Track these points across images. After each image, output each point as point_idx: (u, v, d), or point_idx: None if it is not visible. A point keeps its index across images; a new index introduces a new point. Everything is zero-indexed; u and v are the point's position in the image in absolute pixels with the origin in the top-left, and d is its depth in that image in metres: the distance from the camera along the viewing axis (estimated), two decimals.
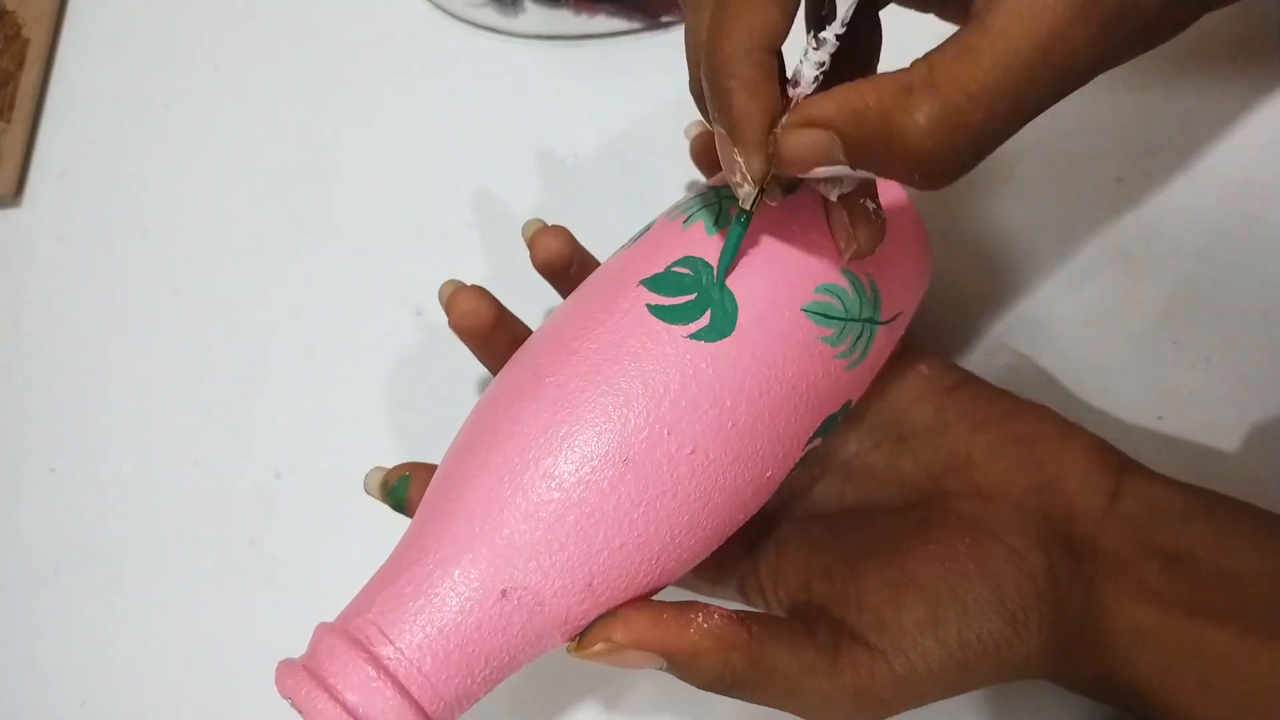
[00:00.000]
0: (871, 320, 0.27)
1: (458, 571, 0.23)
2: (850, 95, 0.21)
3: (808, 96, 0.22)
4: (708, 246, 0.26)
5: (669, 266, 0.26)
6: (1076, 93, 0.31)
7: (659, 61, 0.42)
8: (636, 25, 0.42)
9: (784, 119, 0.22)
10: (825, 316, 0.26)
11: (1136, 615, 0.26)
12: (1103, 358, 0.36)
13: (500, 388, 0.27)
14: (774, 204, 0.25)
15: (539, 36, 0.43)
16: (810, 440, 0.27)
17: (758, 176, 0.23)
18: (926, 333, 0.37)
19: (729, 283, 0.25)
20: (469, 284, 0.31)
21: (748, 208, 0.24)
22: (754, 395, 0.25)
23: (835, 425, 0.28)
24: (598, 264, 0.32)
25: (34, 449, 0.42)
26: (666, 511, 0.24)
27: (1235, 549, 0.27)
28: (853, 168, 0.22)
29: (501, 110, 0.43)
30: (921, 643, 0.26)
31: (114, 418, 0.42)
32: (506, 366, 0.28)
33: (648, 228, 0.29)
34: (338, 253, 0.42)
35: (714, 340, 0.25)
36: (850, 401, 0.28)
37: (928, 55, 0.21)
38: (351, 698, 0.22)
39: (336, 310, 0.42)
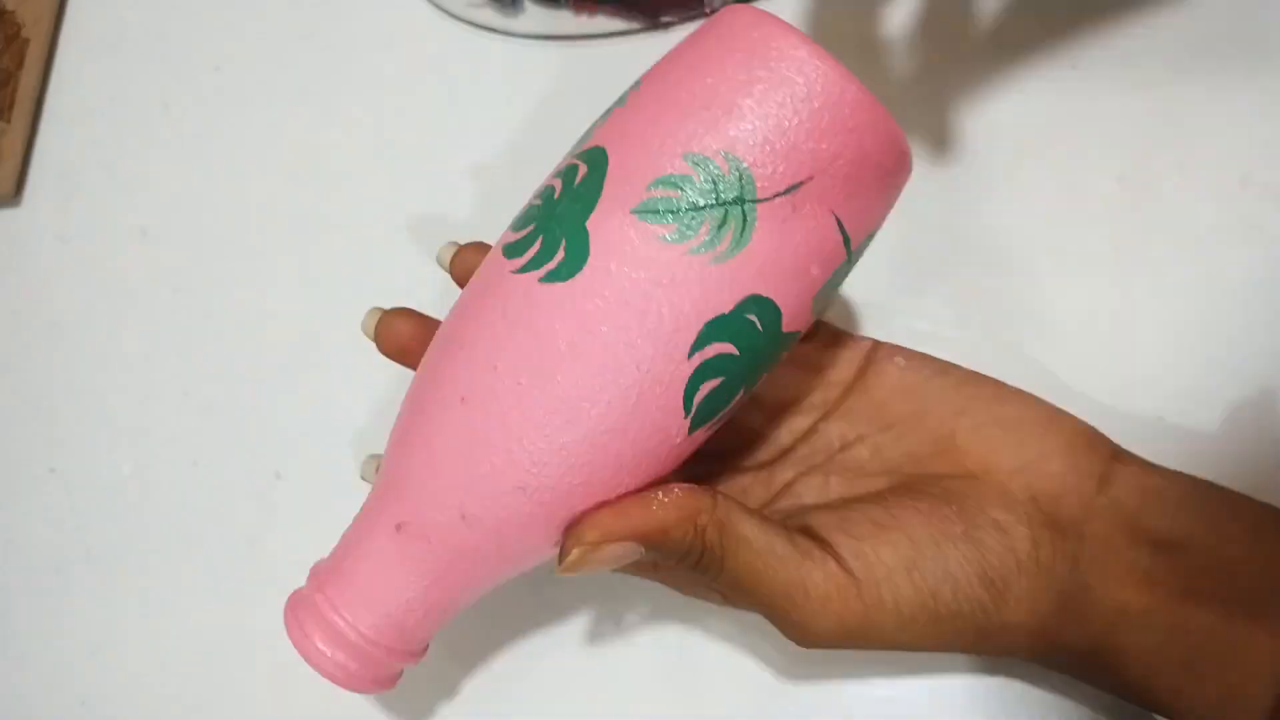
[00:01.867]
0: (740, 200, 0.24)
1: (372, 514, 0.28)
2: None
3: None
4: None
5: (529, 202, 0.27)
6: (1076, 93, 0.31)
7: None
8: (636, 25, 0.42)
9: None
10: (660, 212, 0.24)
11: (1123, 596, 0.26)
12: (1102, 357, 0.36)
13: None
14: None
15: (539, 36, 0.43)
16: (697, 348, 0.24)
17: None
18: (923, 331, 0.37)
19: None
20: (388, 308, 0.32)
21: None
22: (582, 314, 0.24)
23: (752, 331, 0.25)
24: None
25: (34, 449, 0.42)
26: (513, 440, 0.25)
27: (1228, 537, 0.27)
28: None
29: (501, 110, 0.43)
30: (895, 579, 0.26)
31: (114, 418, 0.42)
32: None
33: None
34: (338, 253, 0.42)
35: (538, 267, 0.25)
36: (758, 296, 0.25)
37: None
38: (324, 650, 0.29)
39: (336, 310, 0.41)
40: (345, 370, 0.41)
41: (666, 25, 0.42)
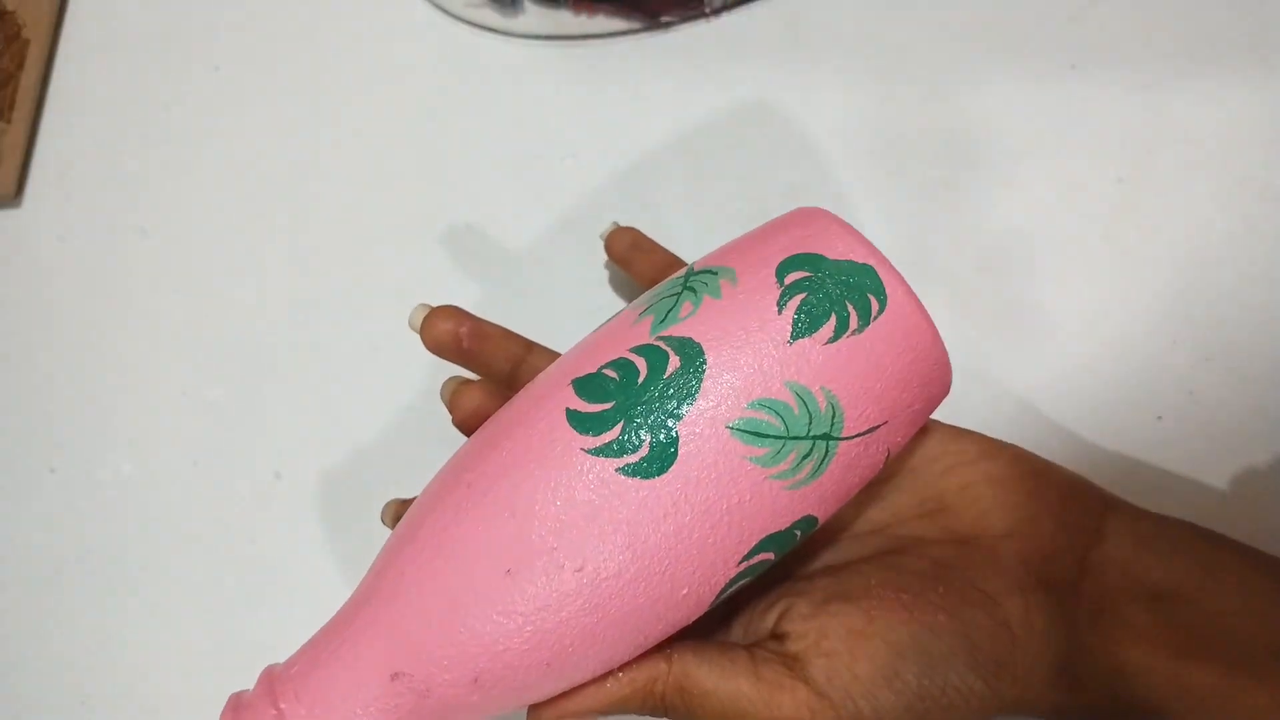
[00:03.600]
0: (828, 436, 0.25)
1: (361, 650, 0.25)
2: None
3: None
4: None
5: (600, 368, 0.25)
6: (1076, 93, 0.31)
7: (659, 61, 0.42)
8: (636, 25, 0.42)
9: None
10: (757, 435, 0.24)
11: (1121, 656, 0.26)
12: (1102, 358, 0.36)
13: (442, 469, 0.27)
14: None
15: (539, 36, 0.43)
16: (746, 559, 0.25)
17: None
18: None
19: None
20: (435, 305, 0.31)
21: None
22: (656, 517, 0.24)
23: (793, 540, 0.26)
24: (491, 330, 0.32)
25: (34, 449, 0.42)
26: (551, 624, 0.24)
27: (1222, 587, 0.27)
28: None
29: (501, 110, 0.43)
30: (876, 693, 0.26)
31: (114, 418, 0.42)
32: (469, 439, 0.28)
33: (620, 312, 0.28)
34: (338, 253, 0.42)
35: (615, 457, 0.24)
36: (810, 517, 0.26)
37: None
38: None
39: (336, 310, 0.42)
40: (345, 370, 0.41)
41: (666, 25, 0.42)
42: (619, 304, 0.34)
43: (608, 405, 0.25)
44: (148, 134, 0.46)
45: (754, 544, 0.25)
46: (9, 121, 0.45)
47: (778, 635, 0.28)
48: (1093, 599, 0.27)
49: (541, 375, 0.28)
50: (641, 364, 0.25)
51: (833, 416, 0.25)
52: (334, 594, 0.38)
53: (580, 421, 0.25)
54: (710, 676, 0.26)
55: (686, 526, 0.24)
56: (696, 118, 0.41)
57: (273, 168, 0.44)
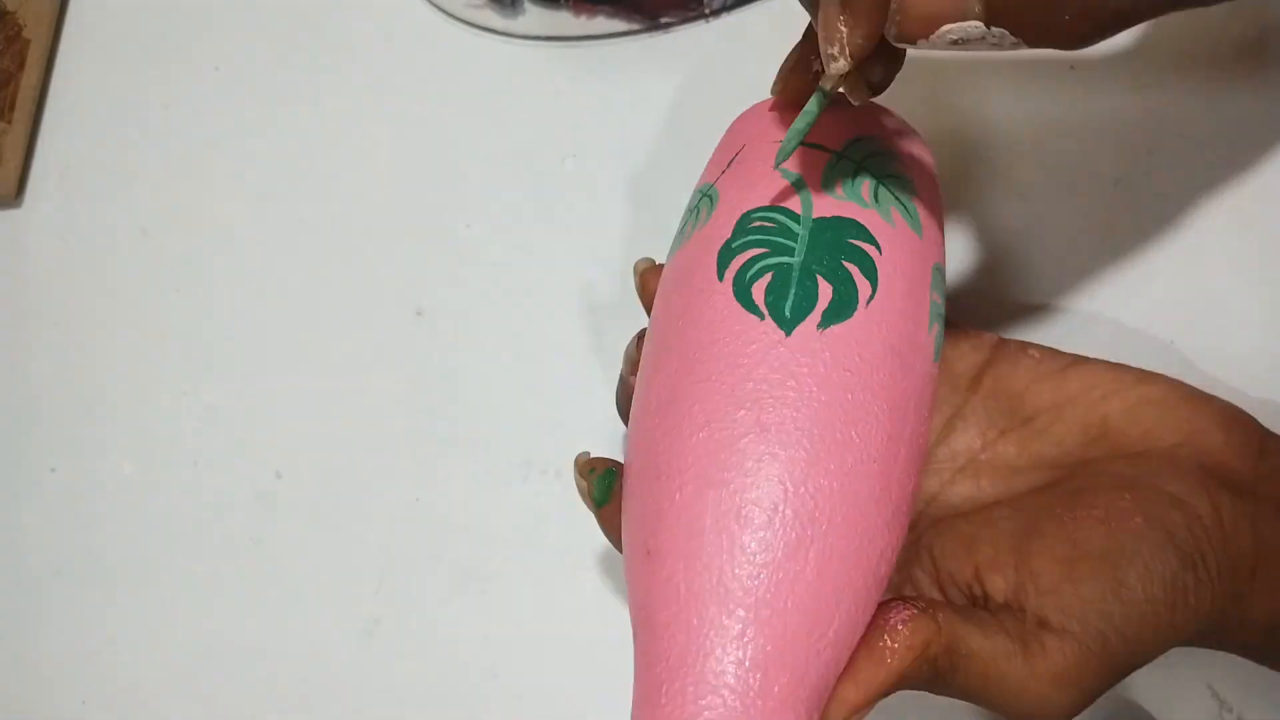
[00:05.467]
0: (705, 195, 0.28)
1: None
2: None
3: None
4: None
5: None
6: (1076, 93, 0.31)
7: (659, 63, 0.42)
8: (636, 26, 0.42)
9: None
10: (676, 240, 0.28)
11: None
12: (1101, 358, 0.36)
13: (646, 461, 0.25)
14: (856, 103, 0.24)
15: (539, 38, 0.43)
16: (720, 265, 0.26)
17: (857, 51, 0.22)
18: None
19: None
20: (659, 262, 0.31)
21: (828, 88, 0.23)
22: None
23: (757, 219, 0.27)
24: None
25: (34, 449, 0.42)
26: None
27: None
28: (988, 25, 0.21)
29: (501, 111, 0.43)
30: (1109, 609, 0.25)
31: (114, 418, 0.42)
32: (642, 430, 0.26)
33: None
34: (338, 253, 0.42)
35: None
36: (750, 209, 0.27)
37: None
38: None
39: (336, 310, 0.42)
40: (345, 370, 0.41)
41: (666, 26, 0.42)
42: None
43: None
44: (148, 134, 0.46)
45: (715, 259, 0.26)
46: (9, 121, 0.45)
47: (985, 586, 0.27)
48: (1271, 502, 0.27)
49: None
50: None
51: (707, 193, 0.28)
52: (335, 594, 0.38)
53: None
54: (974, 635, 0.25)
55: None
56: (696, 118, 0.41)
57: (273, 168, 0.44)
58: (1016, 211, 0.38)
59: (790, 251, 0.25)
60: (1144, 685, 0.33)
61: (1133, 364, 0.35)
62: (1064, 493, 0.28)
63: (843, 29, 0.21)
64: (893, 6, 0.21)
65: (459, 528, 0.38)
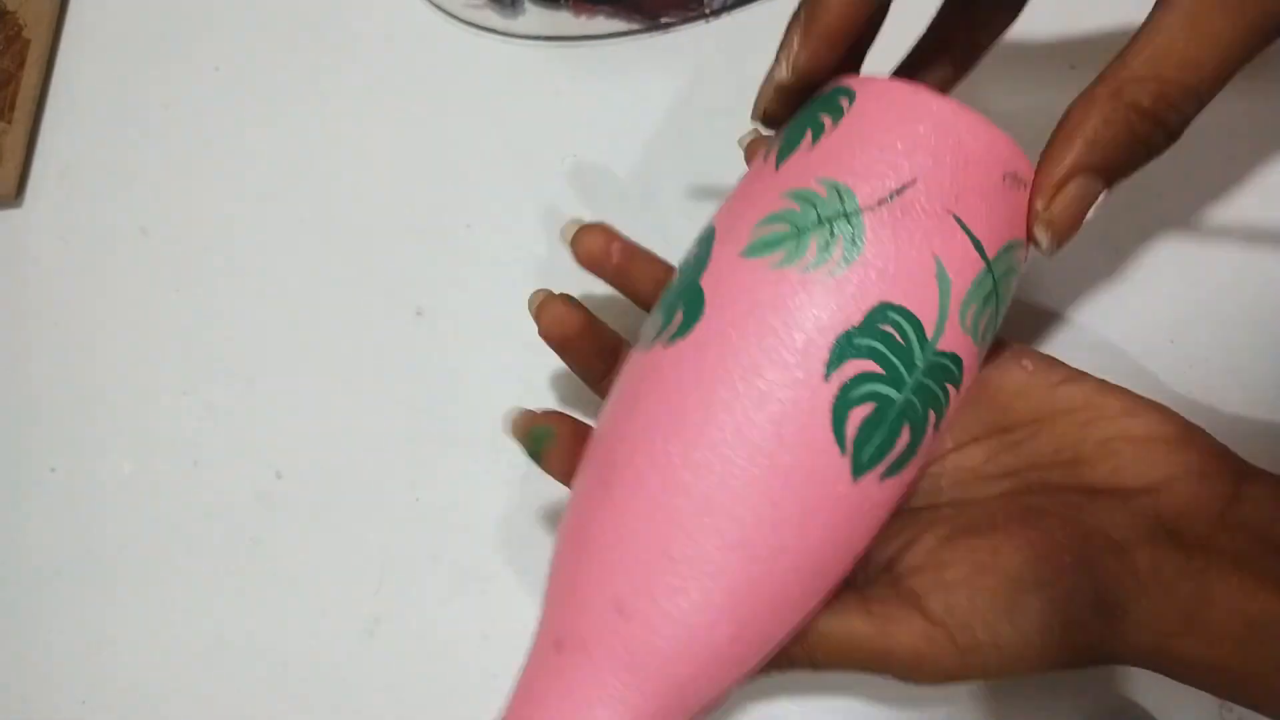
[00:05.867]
0: (843, 214, 0.24)
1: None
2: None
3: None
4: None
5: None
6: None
7: (658, 62, 0.42)
8: (636, 26, 0.42)
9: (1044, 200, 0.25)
10: (768, 245, 0.24)
11: (1255, 606, 0.25)
12: (1101, 357, 0.36)
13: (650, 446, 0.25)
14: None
15: (539, 37, 0.43)
16: (832, 369, 0.23)
17: (800, 67, 0.24)
18: None
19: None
20: (558, 293, 0.32)
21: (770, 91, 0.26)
22: (705, 356, 0.24)
23: (889, 339, 0.24)
24: (640, 250, 0.33)
25: (34, 449, 0.42)
26: (664, 518, 0.24)
27: None
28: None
29: (501, 111, 0.43)
30: (995, 625, 0.26)
31: (114, 418, 0.42)
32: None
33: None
34: (338, 253, 0.42)
35: (660, 338, 0.25)
36: (886, 303, 0.23)
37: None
38: None
39: (336, 310, 0.42)
40: (345, 370, 0.41)
41: (666, 26, 0.42)
42: (620, 304, 0.34)
43: (660, 317, 0.26)
44: (148, 134, 0.46)
45: (828, 347, 0.23)
46: (9, 121, 0.45)
47: (894, 571, 0.28)
48: (1226, 555, 0.26)
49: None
50: (689, 257, 0.27)
51: (841, 196, 0.24)
52: (335, 594, 0.38)
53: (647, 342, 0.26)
54: (822, 618, 0.26)
55: (746, 357, 0.23)
56: (696, 118, 0.41)
57: (273, 168, 0.44)
58: None
59: (900, 385, 0.24)
60: (1144, 685, 0.33)
61: (1133, 363, 0.35)
62: (1013, 506, 0.28)
63: (794, 44, 0.23)
64: (1040, 219, 0.24)
65: (459, 528, 0.38)
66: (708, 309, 0.24)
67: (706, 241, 0.26)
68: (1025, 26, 0.40)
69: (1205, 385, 0.35)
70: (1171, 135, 0.26)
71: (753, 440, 0.23)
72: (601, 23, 0.43)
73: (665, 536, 0.23)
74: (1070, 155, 0.25)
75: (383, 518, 0.39)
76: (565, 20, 0.43)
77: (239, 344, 0.42)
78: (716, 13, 0.42)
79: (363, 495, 0.39)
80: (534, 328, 0.32)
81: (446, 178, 0.42)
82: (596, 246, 0.32)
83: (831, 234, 0.24)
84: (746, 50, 0.42)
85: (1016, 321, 0.37)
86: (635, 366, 0.26)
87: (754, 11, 0.42)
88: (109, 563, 0.40)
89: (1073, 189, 0.25)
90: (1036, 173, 0.25)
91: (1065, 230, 0.25)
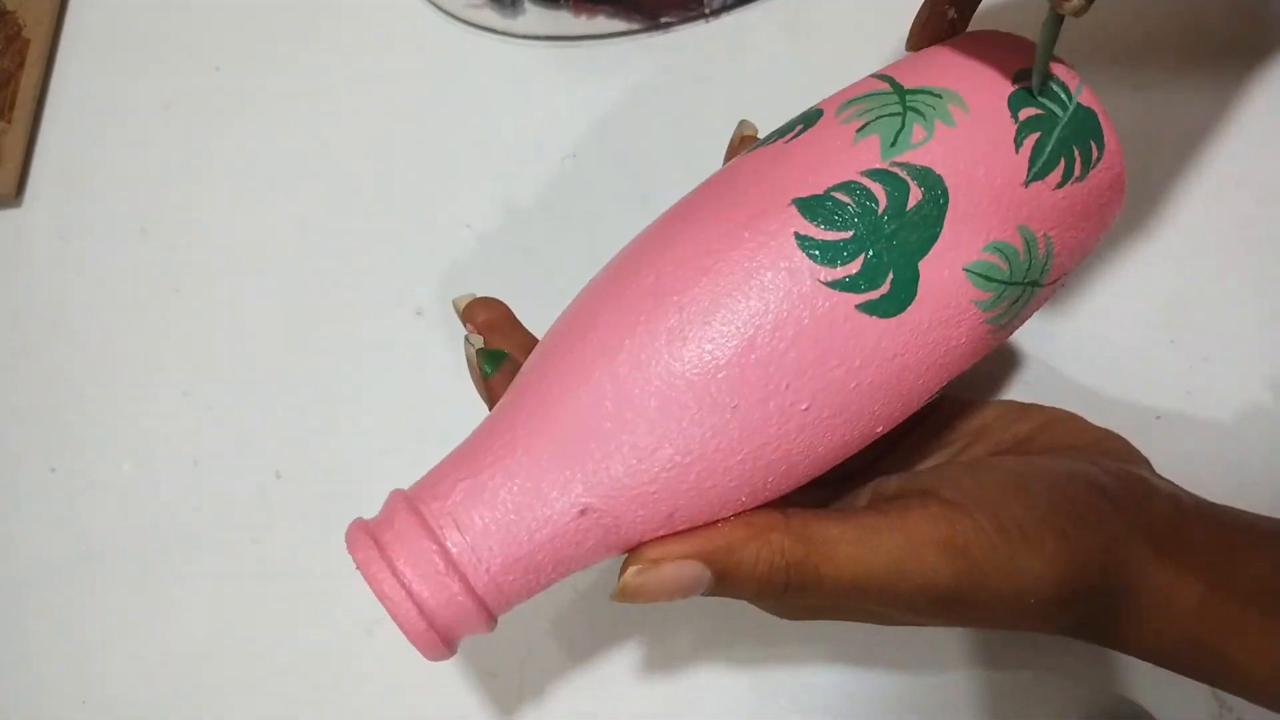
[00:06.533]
0: (1035, 284, 0.25)
1: (543, 482, 0.23)
2: None
3: None
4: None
5: (829, 189, 0.23)
6: None
7: (658, 62, 0.42)
8: (636, 26, 0.42)
9: None
10: (987, 279, 0.24)
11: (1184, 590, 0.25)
12: (1101, 357, 0.36)
13: (619, 283, 0.25)
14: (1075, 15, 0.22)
15: (539, 37, 0.43)
16: (932, 396, 0.25)
17: None
18: None
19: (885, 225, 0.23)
20: (479, 294, 0.31)
21: (1070, 11, 0.21)
22: (887, 356, 0.23)
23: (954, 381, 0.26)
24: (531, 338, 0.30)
25: (34, 449, 0.42)
26: (766, 461, 0.23)
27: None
28: None
29: (501, 110, 0.43)
30: (1008, 505, 0.24)
31: (114, 418, 0.42)
32: (632, 249, 0.26)
33: (812, 117, 0.26)
34: (338, 253, 0.42)
35: (856, 292, 0.23)
36: (985, 356, 0.26)
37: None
38: (418, 587, 0.23)
39: (336, 310, 0.42)
40: (345, 370, 0.41)
41: (666, 26, 0.42)
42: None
43: (847, 234, 0.23)
44: (148, 134, 0.46)
45: (944, 383, 0.25)
46: (9, 121, 0.45)
47: (888, 494, 0.27)
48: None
49: (739, 182, 0.25)
50: (880, 193, 0.23)
51: (1046, 262, 0.25)
52: (335, 593, 0.38)
53: (815, 248, 0.23)
54: (832, 524, 0.24)
55: (909, 368, 0.23)
56: (696, 118, 0.41)
57: (273, 168, 0.44)
58: None
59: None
60: (1144, 685, 0.33)
61: (1132, 364, 0.36)
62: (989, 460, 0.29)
63: None
64: (625, 582, 0.23)
65: None
66: (916, 304, 0.23)
67: (936, 209, 0.24)
68: (1025, 26, 0.40)
69: (1205, 385, 0.35)
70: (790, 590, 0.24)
71: (857, 439, 0.24)
72: (601, 23, 0.43)
73: (756, 480, 0.24)
74: (707, 545, 0.24)
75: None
76: (565, 20, 0.43)
77: (239, 344, 0.42)
78: (716, 13, 0.42)
79: (363, 495, 0.39)
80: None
81: (447, 178, 0.42)
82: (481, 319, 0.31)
83: (1018, 299, 0.25)
84: (746, 50, 0.42)
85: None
86: (802, 291, 0.23)
87: (754, 11, 0.42)
88: (109, 563, 0.40)
89: (688, 569, 0.23)
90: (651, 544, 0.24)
91: (639, 597, 0.23)
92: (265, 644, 0.38)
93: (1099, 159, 0.25)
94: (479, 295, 0.31)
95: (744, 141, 0.31)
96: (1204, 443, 0.34)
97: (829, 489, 0.31)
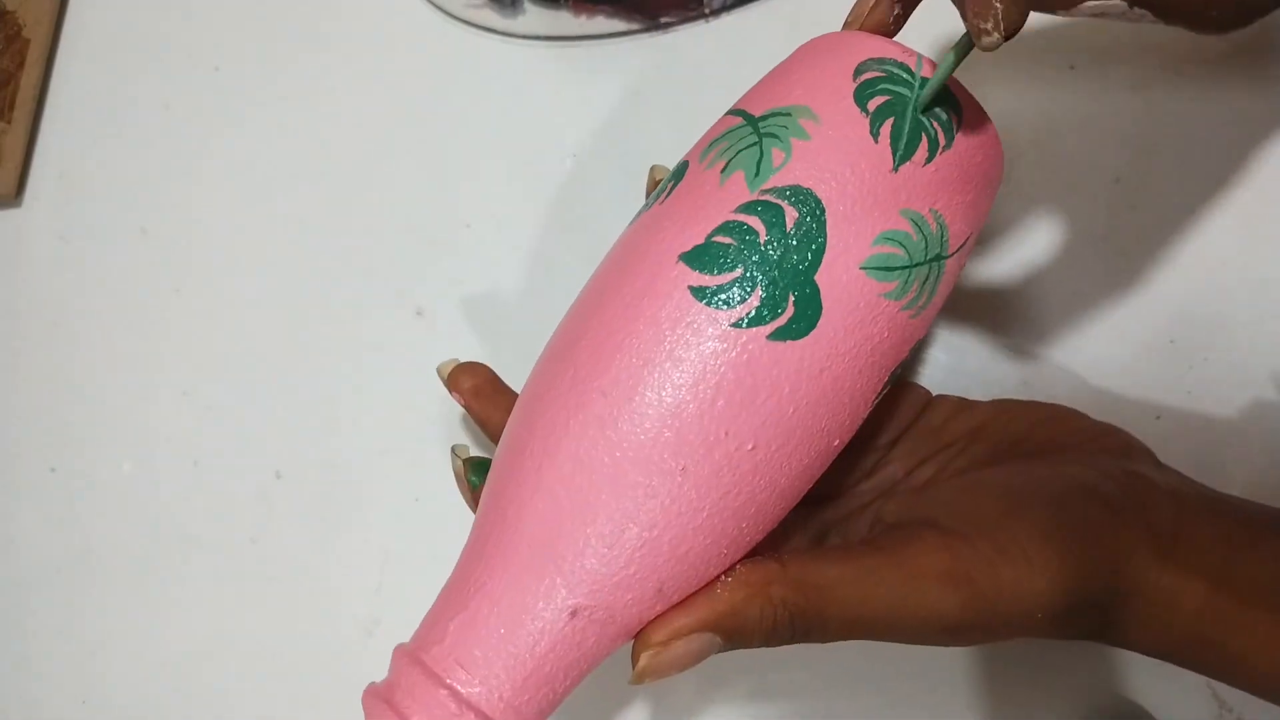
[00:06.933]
0: (939, 257, 0.25)
1: (527, 597, 0.23)
2: None
3: None
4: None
5: (709, 236, 0.24)
6: (1075, 93, 0.31)
7: (658, 62, 0.42)
8: (636, 26, 0.42)
9: None
10: (887, 270, 0.24)
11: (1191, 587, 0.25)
12: (1101, 357, 0.36)
13: (543, 389, 0.25)
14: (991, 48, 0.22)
15: (539, 37, 0.43)
16: (878, 395, 0.26)
17: (1012, 26, 0.21)
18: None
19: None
20: (464, 360, 0.31)
21: (982, 46, 0.21)
22: (814, 374, 0.23)
23: (899, 370, 0.26)
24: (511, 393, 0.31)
25: (34, 449, 0.42)
26: (732, 509, 0.23)
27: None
28: (1131, 5, 0.21)
29: (501, 110, 0.43)
30: (1008, 524, 0.24)
31: (114, 418, 0.42)
32: (547, 354, 0.26)
33: (680, 171, 0.27)
34: (338, 253, 0.42)
35: (763, 324, 0.23)
36: (918, 341, 0.26)
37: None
38: None
39: (336, 310, 0.42)
40: (345, 370, 0.41)
41: (666, 26, 0.42)
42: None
43: (737, 273, 0.23)
44: (148, 134, 0.46)
45: (886, 378, 0.25)
46: (9, 121, 0.45)
47: (884, 522, 0.27)
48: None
49: (627, 257, 0.26)
50: (757, 224, 0.24)
51: (942, 236, 0.25)
52: (335, 593, 0.38)
53: (711, 296, 0.23)
54: (831, 566, 0.24)
55: (840, 377, 0.24)
56: (696, 118, 0.41)
57: (273, 168, 0.44)
58: (1016, 210, 0.38)
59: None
60: (1144, 685, 0.33)
61: (1132, 363, 0.36)
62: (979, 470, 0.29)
63: (998, 4, 0.21)
64: (646, 661, 0.23)
65: (459, 528, 0.38)
66: (824, 318, 0.24)
67: (817, 221, 0.24)
68: (1025, 26, 0.40)
69: (1205, 385, 0.35)
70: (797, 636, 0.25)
71: (818, 451, 0.25)
72: (601, 23, 0.43)
73: (728, 535, 0.24)
74: (710, 615, 0.24)
75: (383, 518, 0.39)
76: (565, 20, 0.43)
77: (239, 344, 0.42)
78: (716, 13, 0.42)
79: (363, 495, 0.39)
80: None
81: (446, 178, 0.42)
82: (468, 385, 0.31)
83: (927, 277, 0.25)
84: (746, 50, 0.42)
85: (1018, 321, 0.37)
86: (711, 337, 0.24)
87: (754, 11, 0.42)
88: (109, 562, 0.40)
89: (696, 642, 0.24)
90: (661, 620, 0.24)
91: (657, 677, 0.24)
92: (265, 644, 0.38)
93: (960, 123, 0.25)
94: (462, 361, 0.31)
95: (657, 184, 0.32)
96: (1204, 442, 0.34)
97: (827, 505, 0.31)
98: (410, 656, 0.24)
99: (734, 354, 0.23)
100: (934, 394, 0.33)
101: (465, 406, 0.31)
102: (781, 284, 0.23)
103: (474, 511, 0.28)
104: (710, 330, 0.23)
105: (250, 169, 0.44)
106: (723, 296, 0.23)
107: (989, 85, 0.39)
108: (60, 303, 0.44)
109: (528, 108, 0.43)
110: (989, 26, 0.21)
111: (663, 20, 0.42)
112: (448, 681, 0.23)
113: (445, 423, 0.40)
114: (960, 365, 0.36)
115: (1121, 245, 0.37)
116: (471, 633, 0.23)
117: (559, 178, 0.41)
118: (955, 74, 0.24)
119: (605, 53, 0.43)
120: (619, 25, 0.42)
